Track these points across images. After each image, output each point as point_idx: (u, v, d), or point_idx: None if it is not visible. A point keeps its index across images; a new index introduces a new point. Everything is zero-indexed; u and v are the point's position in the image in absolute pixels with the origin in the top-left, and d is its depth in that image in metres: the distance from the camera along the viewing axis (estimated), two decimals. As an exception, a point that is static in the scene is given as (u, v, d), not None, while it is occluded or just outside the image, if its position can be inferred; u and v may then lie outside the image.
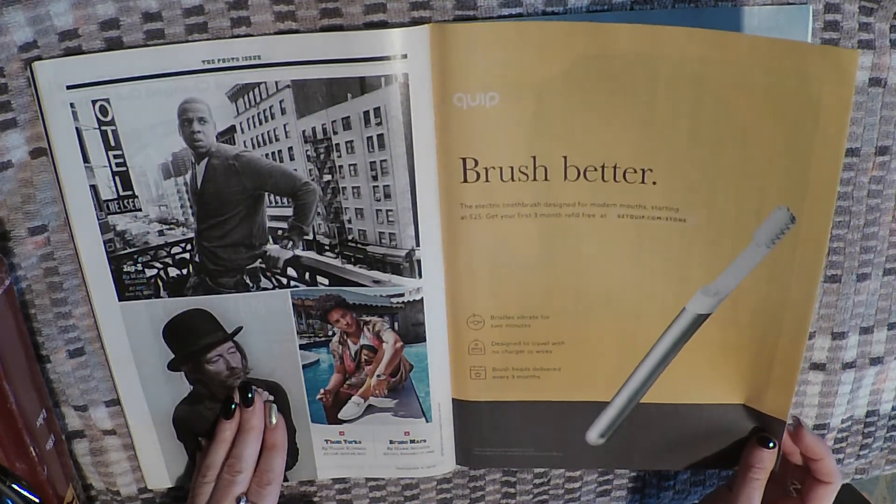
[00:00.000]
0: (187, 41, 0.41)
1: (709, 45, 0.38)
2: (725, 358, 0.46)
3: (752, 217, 0.42)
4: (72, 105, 0.41)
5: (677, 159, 0.41)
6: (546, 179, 0.42)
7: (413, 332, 0.47)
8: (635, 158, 0.42)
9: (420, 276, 0.45)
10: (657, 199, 0.42)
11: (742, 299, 0.44)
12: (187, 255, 0.45)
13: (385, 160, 0.42)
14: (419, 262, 0.45)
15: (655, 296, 0.45)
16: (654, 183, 0.42)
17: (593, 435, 0.50)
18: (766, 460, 0.47)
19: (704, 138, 0.41)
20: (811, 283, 0.42)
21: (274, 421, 0.48)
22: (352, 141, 0.42)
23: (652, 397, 0.48)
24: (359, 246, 0.45)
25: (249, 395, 0.47)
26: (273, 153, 0.42)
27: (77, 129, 0.41)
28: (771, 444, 0.46)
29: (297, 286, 0.46)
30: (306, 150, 0.42)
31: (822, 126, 0.38)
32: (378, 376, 0.48)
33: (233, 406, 0.47)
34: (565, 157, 0.42)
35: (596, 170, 0.42)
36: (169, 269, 0.45)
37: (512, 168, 0.42)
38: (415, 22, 0.41)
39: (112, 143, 0.42)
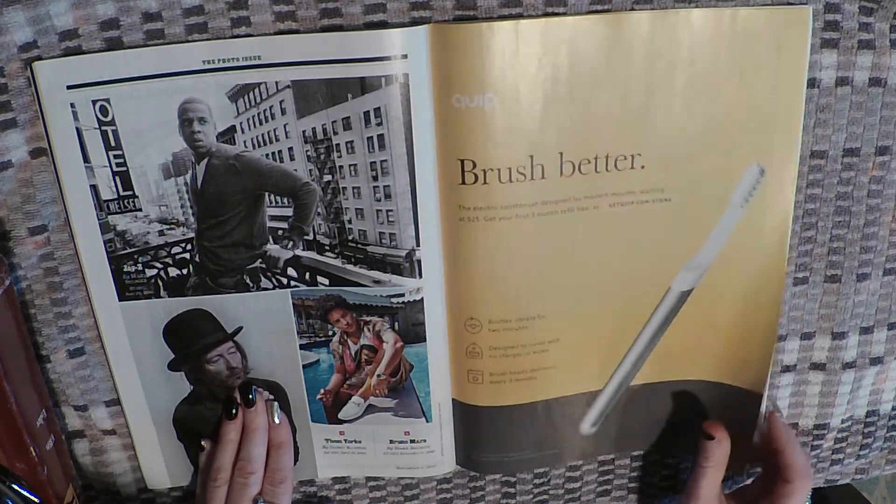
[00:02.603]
0: (187, 41, 0.41)
1: (677, 23, 0.40)
2: (707, 331, 0.48)
3: (728, 182, 0.44)
4: (72, 105, 0.41)
5: (661, 139, 0.43)
6: (543, 178, 0.43)
7: (413, 332, 0.47)
8: (626, 145, 0.43)
9: (420, 276, 0.45)
10: (644, 183, 0.43)
11: (721, 269, 0.46)
12: (187, 255, 0.45)
13: (385, 160, 0.42)
14: (419, 262, 0.45)
15: (646, 279, 0.46)
16: (643, 167, 0.43)
17: (586, 425, 0.50)
18: (709, 451, 0.47)
19: (682, 114, 0.42)
20: (782, 241, 0.45)
21: (277, 419, 0.48)
22: (352, 141, 0.42)
23: (639, 378, 0.49)
24: (359, 246, 0.45)
25: (251, 396, 0.47)
26: (273, 153, 0.42)
27: (77, 129, 0.41)
28: (712, 438, 0.47)
29: (298, 286, 0.46)
30: (306, 151, 0.42)
31: (781, 78, 0.42)
32: (378, 376, 0.48)
33: (234, 407, 0.47)
34: (561, 154, 0.42)
35: (590, 162, 0.43)
36: (169, 269, 0.45)
37: (510, 169, 0.42)
38: (415, 22, 0.41)
39: (112, 143, 0.42)
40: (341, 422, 0.50)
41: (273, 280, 0.46)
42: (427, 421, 0.50)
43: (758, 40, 0.41)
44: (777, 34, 0.41)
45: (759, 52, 0.41)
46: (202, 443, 0.48)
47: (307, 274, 0.45)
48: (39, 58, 0.40)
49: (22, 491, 0.42)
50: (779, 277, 0.46)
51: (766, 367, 0.47)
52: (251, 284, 0.46)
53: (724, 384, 0.49)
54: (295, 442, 0.50)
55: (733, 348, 0.48)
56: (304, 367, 0.48)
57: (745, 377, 0.48)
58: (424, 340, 0.47)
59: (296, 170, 0.43)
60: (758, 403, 0.48)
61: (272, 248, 0.45)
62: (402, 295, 0.45)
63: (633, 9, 0.41)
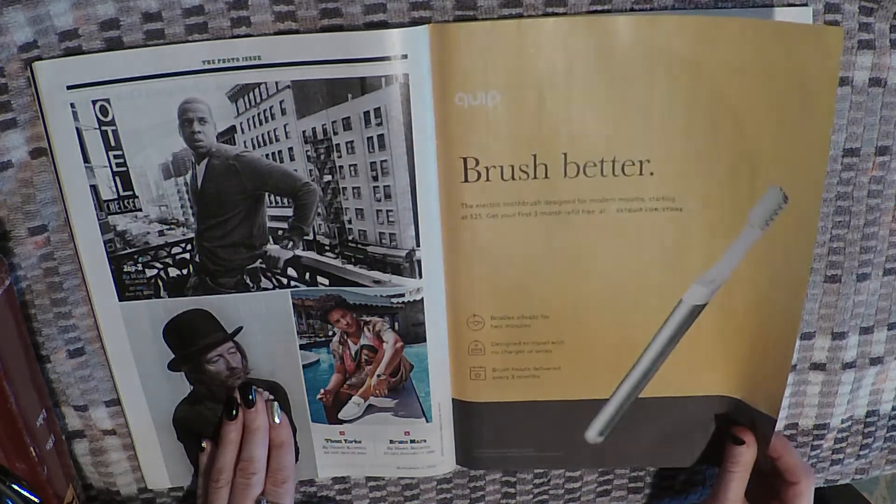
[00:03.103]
0: (187, 41, 0.41)
1: (702, 31, 0.39)
2: (721, 349, 0.47)
3: (745, 200, 0.42)
4: (72, 105, 0.41)
5: (673, 147, 0.42)
6: (546, 177, 0.43)
7: (413, 332, 0.47)
8: (633, 150, 0.42)
9: (420, 276, 0.45)
10: (654, 190, 0.43)
11: (736, 286, 0.44)
12: (187, 255, 0.45)
13: (385, 160, 0.42)
14: (419, 262, 0.45)
15: (654, 289, 0.45)
16: (652, 174, 0.42)
17: (592, 433, 0.50)
18: (738, 456, 0.47)
19: (699, 123, 0.41)
20: (803, 265, 0.42)
21: (278, 419, 0.48)
22: (352, 141, 0.42)
23: (649, 391, 0.48)
24: (359, 246, 0.45)
25: (251, 396, 0.47)
26: (273, 153, 0.42)
27: (77, 129, 0.41)
28: (742, 443, 0.47)
29: (298, 286, 0.46)
30: (306, 151, 0.42)
31: (810, 102, 0.39)
32: (378, 376, 0.48)
33: (234, 408, 0.47)
34: (565, 154, 0.42)
35: (595, 165, 0.42)
36: (169, 269, 0.45)
37: (513, 167, 0.42)
38: (415, 22, 0.41)
39: (112, 143, 0.42)
40: (341, 422, 0.50)
41: (273, 280, 0.46)
42: (427, 421, 0.50)
43: (780, 58, 0.39)
44: (804, 54, 0.38)
45: (780, 70, 0.39)
46: (203, 443, 0.48)
47: (307, 274, 0.45)
48: (39, 58, 0.40)
49: (22, 491, 0.42)
50: (797, 302, 0.43)
51: (780, 393, 0.45)
52: (251, 284, 0.46)
53: (738, 400, 0.48)
54: (295, 442, 0.50)
55: (747, 368, 0.46)
56: (304, 367, 0.48)
57: (760, 398, 0.46)
58: (424, 340, 0.47)
59: (296, 170, 0.43)
60: (771, 426, 0.46)
61: (272, 248, 0.45)
62: (402, 295, 0.46)
63: (632, 9, 0.41)
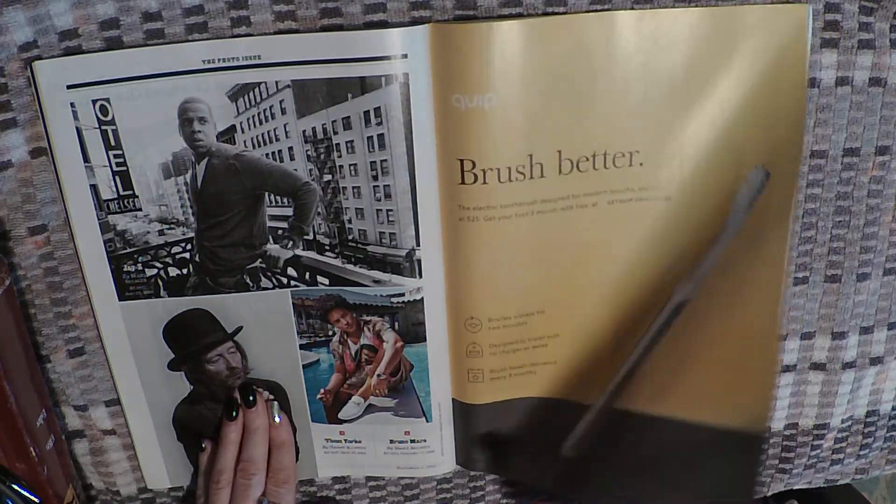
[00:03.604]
0: (187, 41, 0.41)
1: (677, 22, 0.40)
2: (702, 352, 0.46)
3: (731, 187, 0.43)
4: (72, 105, 0.41)
5: (661, 137, 0.42)
6: (542, 176, 0.43)
7: (413, 332, 0.47)
8: (623, 143, 0.42)
9: (420, 275, 0.45)
10: (643, 181, 0.43)
11: (717, 277, 0.44)
12: (187, 255, 0.45)
13: (385, 160, 0.42)
14: (419, 261, 0.45)
15: (646, 280, 0.46)
16: (641, 164, 0.43)
17: (568, 444, 0.49)
18: None
19: (679, 111, 0.42)
20: (782, 242, 0.43)
21: (278, 419, 0.48)
22: (352, 141, 0.42)
23: (627, 402, 0.47)
24: (359, 246, 0.45)
25: (251, 397, 0.47)
26: (273, 153, 0.42)
27: (77, 128, 0.41)
28: None
29: (298, 286, 0.46)
30: (306, 150, 0.42)
31: (781, 77, 0.41)
32: (378, 376, 0.48)
33: (235, 408, 0.47)
34: (559, 152, 0.42)
35: (588, 160, 0.42)
36: (169, 268, 0.45)
37: (510, 168, 0.42)
38: (415, 22, 0.41)
39: (112, 143, 0.42)
40: (341, 422, 0.50)
41: (273, 280, 0.46)
42: (427, 421, 0.50)
43: (756, 38, 0.41)
44: (776, 32, 0.41)
45: (757, 50, 0.41)
46: (203, 444, 0.48)
47: (307, 274, 0.45)
48: (39, 57, 0.40)
49: (22, 491, 0.42)
50: (777, 283, 0.44)
51: (767, 398, 0.44)
52: (251, 284, 0.46)
53: (713, 428, 0.46)
54: (295, 442, 0.50)
55: (729, 374, 0.46)
56: (304, 366, 0.48)
57: (742, 413, 0.45)
58: (424, 340, 0.47)
59: (296, 169, 0.43)
60: (756, 447, 0.44)
61: (272, 247, 0.45)
62: (402, 294, 0.45)
63: (632, 8, 0.41)
